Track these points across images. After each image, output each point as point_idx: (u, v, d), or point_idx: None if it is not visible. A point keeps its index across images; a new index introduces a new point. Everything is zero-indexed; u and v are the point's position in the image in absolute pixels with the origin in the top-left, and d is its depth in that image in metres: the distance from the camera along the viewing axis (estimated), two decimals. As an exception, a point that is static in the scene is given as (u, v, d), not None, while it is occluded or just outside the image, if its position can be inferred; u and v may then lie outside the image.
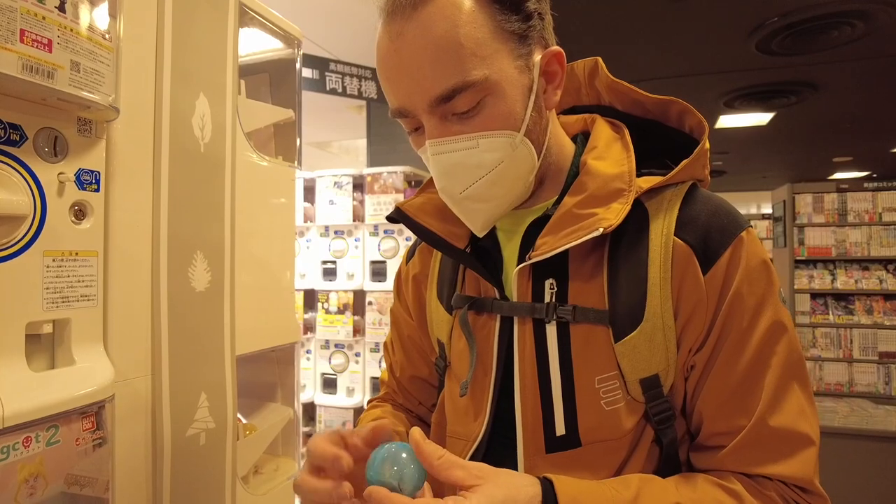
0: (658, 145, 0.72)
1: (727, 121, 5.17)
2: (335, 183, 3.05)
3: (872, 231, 4.25)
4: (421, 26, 0.58)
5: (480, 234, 0.69)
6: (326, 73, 3.25)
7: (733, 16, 3.04)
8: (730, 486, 0.59)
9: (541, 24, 0.64)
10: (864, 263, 4.28)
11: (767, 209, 10.23)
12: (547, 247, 0.64)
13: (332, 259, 3.06)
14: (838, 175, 8.24)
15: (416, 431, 0.55)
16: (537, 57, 0.64)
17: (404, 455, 0.53)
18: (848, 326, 4.20)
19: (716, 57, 3.65)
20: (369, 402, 0.96)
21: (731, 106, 4.65)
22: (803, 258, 4.36)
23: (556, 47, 0.65)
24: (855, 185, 4.44)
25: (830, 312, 4.25)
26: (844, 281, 4.25)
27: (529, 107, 0.63)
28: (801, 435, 0.59)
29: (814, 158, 7.36)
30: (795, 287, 4.31)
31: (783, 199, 4.56)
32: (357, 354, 3.03)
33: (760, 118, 5.08)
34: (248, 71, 1.36)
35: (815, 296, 4.32)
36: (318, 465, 0.58)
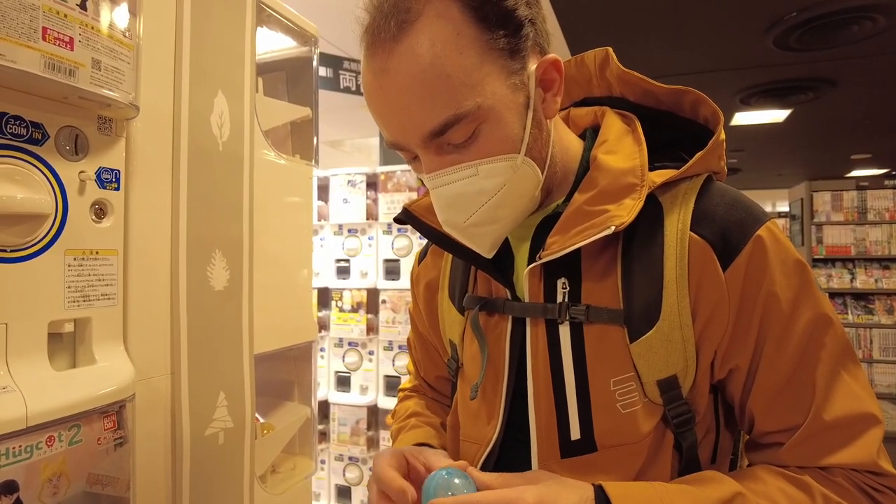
0: (672, 137, 0.70)
1: (743, 118, 5.11)
2: (349, 181, 3.05)
3: (893, 229, 4.17)
4: (405, 61, 0.55)
5: (489, 256, 0.67)
6: (340, 72, 3.24)
7: (750, 11, 2.99)
8: (796, 476, 0.58)
9: (533, 30, 0.60)
10: (885, 262, 4.21)
11: (783, 207, 10.11)
12: (557, 246, 0.62)
13: (346, 257, 3.06)
14: (857, 172, 8.12)
15: (471, 468, 0.60)
16: (532, 67, 0.60)
17: (457, 481, 0.57)
18: (868, 326, 4.14)
19: (732, 53, 3.61)
20: (400, 389, 0.96)
21: (748, 103, 4.59)
22: (821, 257, 4.30)
23: (551, 55, 0.62)
24: (875, 182, 4.36)
25: (849, 312, 4.18)
26: (864, 280, 4.19)
27: (528, 125, 0.61)
28: (857, 417, 0.58)
29: (832, 156, 7.26)
30: (813, 286, 4.26)
31: (800, 196, 4.50)
32: (370, 353, 3.03)
33: (777, 115, 5.01)
34: (265, 69, 1.36)
35: (833, 295, 4.26)
36: (385, 491, 0.63)
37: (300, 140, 1.37)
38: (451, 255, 0.80)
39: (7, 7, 0.61)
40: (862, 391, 0.59)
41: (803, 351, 0.59)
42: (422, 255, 0.87)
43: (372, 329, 3.03)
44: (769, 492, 0.56)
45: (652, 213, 0.63)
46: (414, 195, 2.89)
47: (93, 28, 0.70)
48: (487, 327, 0.71)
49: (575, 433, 0.62)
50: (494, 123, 0.58)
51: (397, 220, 0.76)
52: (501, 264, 0.70)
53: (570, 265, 0.64)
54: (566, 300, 0.64)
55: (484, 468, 0.69)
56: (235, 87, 1.05)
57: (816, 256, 4.29)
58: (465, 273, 0.77)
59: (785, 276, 0.59)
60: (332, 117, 4.99)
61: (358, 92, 3.33)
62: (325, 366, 3.10)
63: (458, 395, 0.77)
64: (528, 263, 0.66)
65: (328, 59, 3.22)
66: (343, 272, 3.07)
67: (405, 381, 0.97)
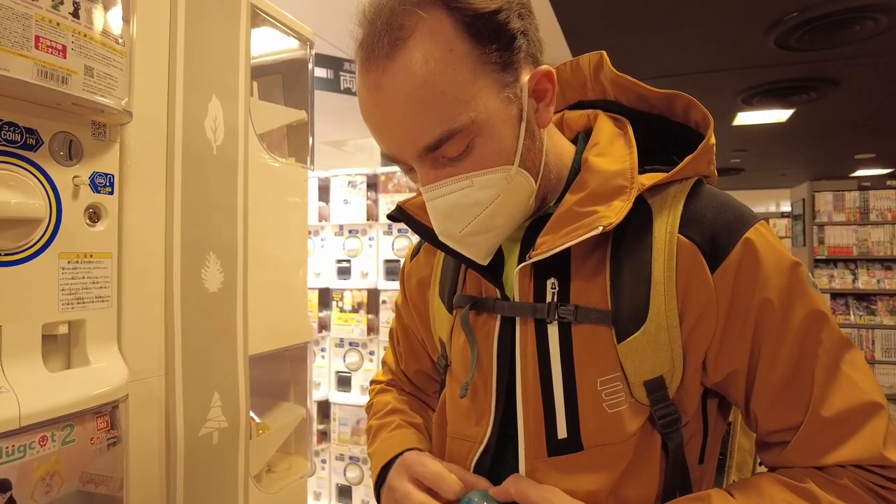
0: (664, 140, 0.71)
1: (745, 118, 5.10)
2: (349, 182, 3.07)
3: (895, 230, 4.16)
4: (399, 78, 0.56)
5: (484, 263, 0.68)
6: (340, 73, 3.25)
7: (751, 11, 2.99)
8: (800, 486, 0.58)
9: (526, 41, 0.61)
10: (887, 263, 4.18)
11: (787, 207, 10.08)
12: (547, 246, 0.63)
13: (347, 258, 3.08)
14: (860, 172, 8.10)
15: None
16: (525, 78, 0.61)
17: None
18: (870, 327, 4.12)
19: (734, 53, 3.60)
20: (373, 381, 0.96)
21: (750, 103, 4.58)
22: (823, 257, 4.28)
23: (544, 67, 0.63)
24: (877, 182, 4.34)
25: (851, 313, 4.17)
26: (866, 281, 4.17)
27: (521, 136, 0.61)
28: (857, 408, 0.58)
29: (835, 155, 7.23)
30: (815, 286, 4.24)
31: (802, 197, 4.48)
32: (371, 353, 3.04)
33: (780, 115, 5.00)
34: (261, 72, 1.37)
35: (835, 296, 4.24)
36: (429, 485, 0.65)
37: (296, 142, 1.39)
38: (442, 253, 0.81)
39: (0, 16, 0.62)
40: (862, 381, 0.59)
41: (800, 349, 0.59)
42: (414, 252, 0.88)
43: (372, 329, 3.04)
44: None
45: (641, 216, 0.64)
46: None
47: (85, 36, 0.72)
48: (476, 326, 0.72)
49: (562, 432, 0.63)
50: (488, 136, 0.59)
51: (391, 217, 0.77)
52: (492, 264, 0.71)
53: (559, 265, 0.65)
54: (555, 300, 0.65)
55: (478, 466, 0.70)
56: (230, 92, 1.06)
57: (818, 257, 4.27)
58: (456, 271, 0.78)
59: (777, 277, 0.60)
60: (334, 117, 5.01)
61: (358, 93, 3.34)
62: (326, 366, 3.12)
63: (447, 392, 0.78)
64: (519, 263, 0.67)
65: (328, 61, 3.23)
66: (344, 272, 3.08)
67: (378, 374, 0.97)
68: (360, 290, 3.04)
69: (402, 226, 2.93)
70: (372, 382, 0.97)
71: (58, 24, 0.68)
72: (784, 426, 0.61)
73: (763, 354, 0.60)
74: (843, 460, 0.58)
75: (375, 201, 3.05)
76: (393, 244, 2.97)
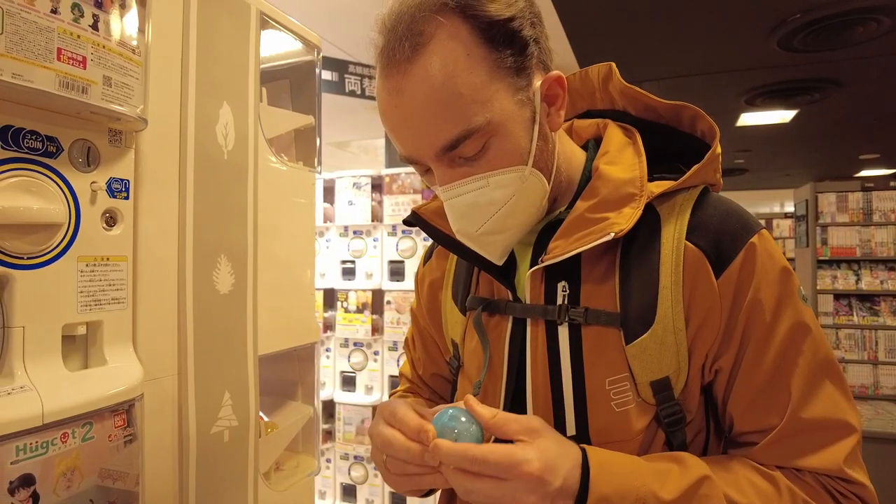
0: (671, 149, 0.74)
1: (749, 118, 5.11)
2: (354, 184, 3.09)
3: (899, 231, 4.15)
4: (418, 81, 0.58)
5: (499, 263, 0.70)
6: (346, 75, 3.29)
7: (754, 13, 3.00)
8: (765, 470, 0.61)
9: (537, 48, 0.64)
10: (890, 264, 4.17)
11: (790, 207, 10.06)
12: (559, 250, 0.65)
13: (351, 259, 3.10)
14: (865, 172, 8.09)
15: (470, 397, 0.60)
16: (537, 83, 0.64)
17: (463, 418, 0.59)
18: (873, 328, 4.11)
19: (737, 54, 3.61)
20: (391, 394, 0.98)
21: (753, 104, 4.59)
22: (826, 258, 4.27)
23: (555, 72, 0.66)
24: (881, 183, 4.34)
25: (854, 313, 4.16)
26: (869, 281, 4.16)
27: (534, 138, 0.64)
28: (833, 422, 0.60)
29: (839, 156, 7.22)
30: (818, 287, 4.23)
31: (806, 198, 4.48)
32: (376, 353, 3.07)
33: (783, 115, 5.01)
34: (269, 77, 1.39)
35: (838, 296, 4.23)
36: (396, 427, 0.62)
37: (304, 146, 1.41)
38: (455, 257, 0.84)
39: (24, 30, 0.65)
40: (842, 400, 0.62)
41: (782, 356, 0.62)
42: (427, 257, 0.91)
43: (377, 329, 3.07)
44: (737, 480, 0.59)
45: (650, 222, 0.66)
46: (418, 197, 2.93)
47: (104, 47, 0.74)
48: (488, 327, 0.74)
49: (570, 429, 0.66)
50: (503, 137, 0.62)
51: (406, 222, 0.80)
52: (504, 267, 0.73)
53: (570, 269, 0.68)
54: (566, 302, 0.67)
55: None
56: (240, 98, 1.09)
57: (821, 258, 4.26)
58: (468, 274, 0.80)
59: (769, 285, 0.62)
60: (338, 118, 5.03)
61: (362, 96, 3.37)
62: (331, 366, 3.14)
63: (459, 393, 0.81)
64: (531, 266, 0.70)
65: (334, 63, 3.26)
66: (348, 273, 3.11)
67: (397, 389, 0.99)
68: (364, 290, 3.06)
69: (408, 227, 2.96)
70: (390, 395, 0.99)
71: (78, 37, 0.71)
72: (757, 428, 0.63)
73: (746, 356, 0.63)
74: (807, 467, 0.60)
75: (380, 202, 3.08)
76: (397, 245, 3.00)
